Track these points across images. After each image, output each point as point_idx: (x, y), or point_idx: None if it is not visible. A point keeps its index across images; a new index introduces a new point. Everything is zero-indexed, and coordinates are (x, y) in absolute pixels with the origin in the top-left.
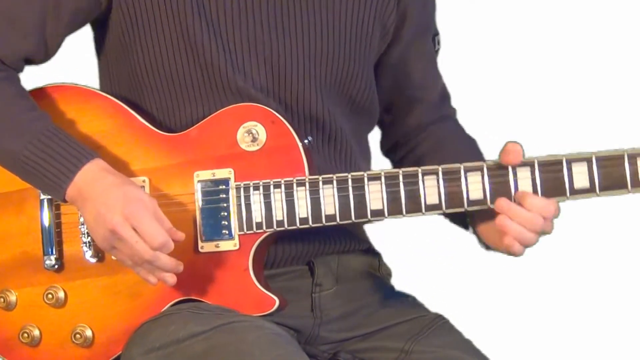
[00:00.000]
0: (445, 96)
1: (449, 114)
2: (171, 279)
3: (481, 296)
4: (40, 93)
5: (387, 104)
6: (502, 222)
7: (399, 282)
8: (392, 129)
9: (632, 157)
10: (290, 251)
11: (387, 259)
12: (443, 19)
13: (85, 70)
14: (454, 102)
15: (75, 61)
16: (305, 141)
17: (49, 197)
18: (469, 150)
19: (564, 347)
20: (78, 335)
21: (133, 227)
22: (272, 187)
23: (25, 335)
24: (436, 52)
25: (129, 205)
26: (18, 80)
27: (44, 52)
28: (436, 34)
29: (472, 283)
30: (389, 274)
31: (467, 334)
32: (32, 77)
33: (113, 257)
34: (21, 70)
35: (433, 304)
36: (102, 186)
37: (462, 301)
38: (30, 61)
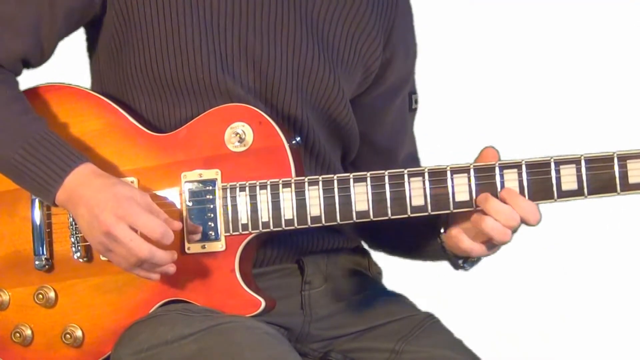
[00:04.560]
0: (414, 159)
1: None
2: (172, 268)
3: (472, 295)
4: (32, 93)
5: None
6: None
7: (389, 282)
8: None
9: (622, 159)
10: (280, 249)
11: (378, 258)
12: (441, 20)
13: (77, 71)
14: (448, 103)
15: (67, 62)
16: (294, 142)
17: None
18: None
19: (554, 345)
20: (68, 336)
21: (129, 225)
22: (258, 188)
23: (18, 334)
24: (414, 110)
25: (121, 204)
26: (15, 83)
27: (40, 53)
28: (414, 92)
29: (463, 282)
30: (379, 273)
31: (458, 334)
32: (25, 77)
33: (104, 259)
34: (19, 72)
35: (423, 303)
36: (91, 190)
37: (452, 300)
38: (27, 63)
